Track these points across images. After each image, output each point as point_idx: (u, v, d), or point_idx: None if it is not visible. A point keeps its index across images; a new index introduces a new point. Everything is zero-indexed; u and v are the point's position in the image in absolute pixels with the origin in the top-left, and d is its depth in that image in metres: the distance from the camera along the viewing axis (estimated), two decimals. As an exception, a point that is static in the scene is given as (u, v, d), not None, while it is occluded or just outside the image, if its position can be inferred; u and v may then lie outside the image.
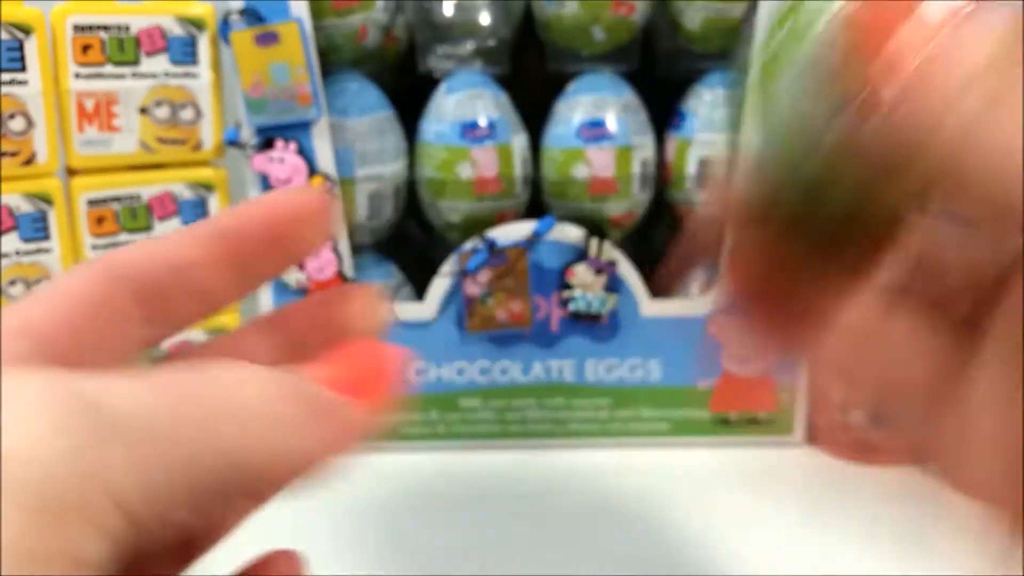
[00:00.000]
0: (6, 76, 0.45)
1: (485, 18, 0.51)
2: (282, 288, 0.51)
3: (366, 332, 0.20)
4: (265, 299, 0.52)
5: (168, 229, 0.49)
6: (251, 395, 0.16)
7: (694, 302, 0.53)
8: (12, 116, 0.45)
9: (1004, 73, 0.16)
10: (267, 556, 0.21)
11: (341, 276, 0.51)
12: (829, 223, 0.19)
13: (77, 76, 0.47)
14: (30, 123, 0.46)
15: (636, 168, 0.52)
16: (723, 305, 0.19)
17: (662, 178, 0.54)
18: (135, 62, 0.48)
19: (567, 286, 0.52)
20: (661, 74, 0.55)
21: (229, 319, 0.52)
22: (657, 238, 0.60)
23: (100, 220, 0.48)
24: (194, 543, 0.20)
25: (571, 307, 0.52)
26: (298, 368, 0.18)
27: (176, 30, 0.48)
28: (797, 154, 0.19)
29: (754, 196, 0.19)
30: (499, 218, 0.52)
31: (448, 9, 0.51)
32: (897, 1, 0.17)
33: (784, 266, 0.20)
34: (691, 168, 0.52)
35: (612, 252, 0.51)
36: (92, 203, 0.48)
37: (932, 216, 0.18)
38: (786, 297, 0.20)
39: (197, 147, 0.49)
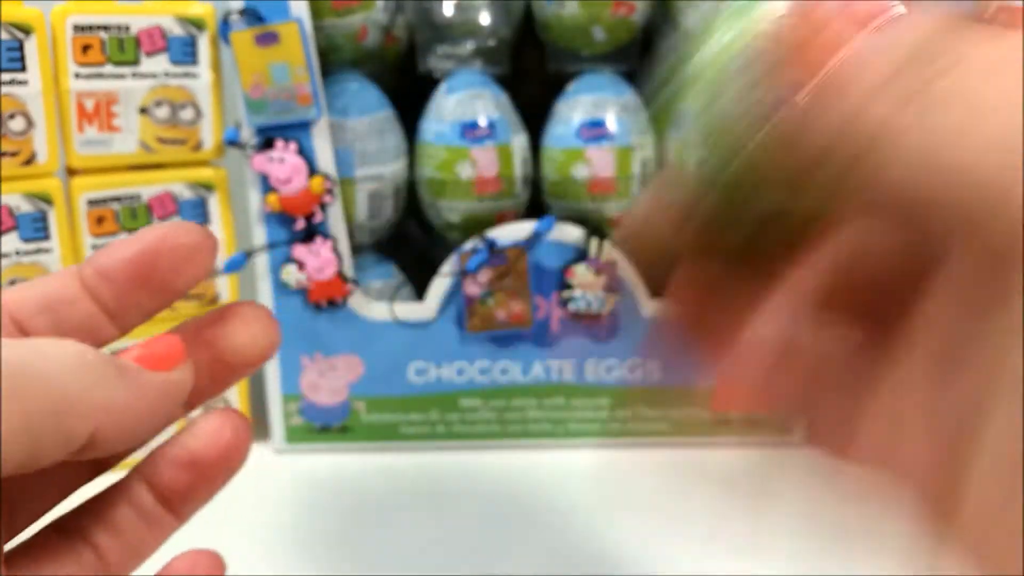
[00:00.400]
0: (6, 76, 0.45)
1: (485, 18, 0.51)
2: (282, 288, 0.51)
3: (253, 357, 0.22)
4: (265, 299, 0.52)
5: (168, 229, 0.49)
6: (57, 355, 0.18)
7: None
8: (12, 116, 0.45)
9: (917, 75, 0.16)
10: (188, 555, 0.22)
11: (341, 276, 0.51)
12: (749, 225, 0.18)
13: (77, 76, 0.47)
14: (30, 123, 0.46)
15: (636, 168, 0.52)
16: (662, 315, 0.20)
17: (662, 178, 0.54)
18: (135, 62, 0.48)
19: (567, 286, 0.52)
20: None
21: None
22: (657, 238, 0.60)
23: (100, 220, 0.48)
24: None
25: (571, 307, 0.52)
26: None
27: (176, 30, 0.48)
28: (720, 157, 0.19)
29: (680, 200, 0.19)
30: (499, 218, 0.52)
31: (448, 9, 0.51)
32: (822, 2, 0.17)
33: (708, 274, 0.20)
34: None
35: (612, 252, 0.51)
36: (92, 203, 0.48)
37: (849, 219, 0.17)
38: (711, 306, 0.20)
39: (197, 147, 0.49)
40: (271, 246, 0.51)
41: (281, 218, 0.50)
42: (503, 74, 0.53)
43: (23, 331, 0.21)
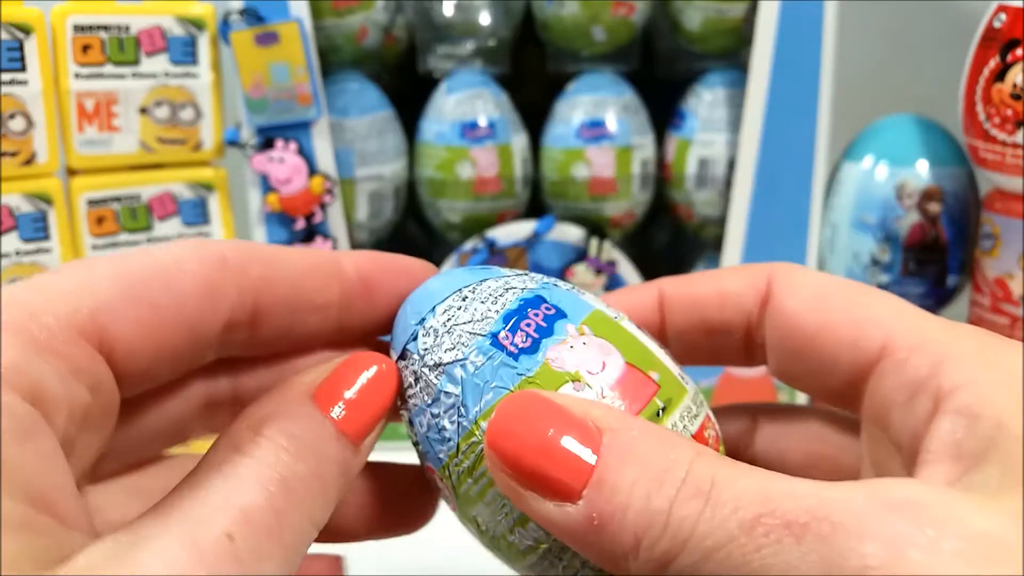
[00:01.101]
0: (6, 76, 0.45)
1: (485, 18, 0.51)
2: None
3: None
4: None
5: (168, 229, 0.49)
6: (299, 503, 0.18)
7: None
8: (12, 116, 0.45)
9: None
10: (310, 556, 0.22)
11: (341, 276, 0.51)
12: None
13: (77, 76, 0.47)
14: (30, 123, 0.46)
15: (636, 168, 0.52)
16: None
17: (662, 178, 0.54)
18: (135, 62, 0.47)
19: (567, 286, 0.52)
20: (661, 74, 0.56)
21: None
22: (657, 238, 0.60)
23: (100, 220, 0.48)
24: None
25: (571, 307, 0.52)
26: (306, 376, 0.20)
27: (176, 30, 0.48)
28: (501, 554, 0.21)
29: None
30: (499, 218, 0.52)
31: (448, 9, 0.51)
32: (528, 422, 0.18)
33: None
34: (691, 168, 0.52)
35: (612, 252, 0.51)
36: (92, 203, 0.48)
37: None
38: None
39: (197, 147, 0.49)
40: (271, 246, 0.51)
41: (281, 218, 0.50)
42: (503, 74, 0.53)
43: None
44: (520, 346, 0.20)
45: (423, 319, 0.21)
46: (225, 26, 0.48)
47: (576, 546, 0.18)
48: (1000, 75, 0.46)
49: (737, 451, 0.25)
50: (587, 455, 0.17)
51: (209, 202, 0.50)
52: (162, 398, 0.21)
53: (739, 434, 0.25)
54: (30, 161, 0.46)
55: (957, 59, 0.49)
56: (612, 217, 0.52)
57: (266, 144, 0.49)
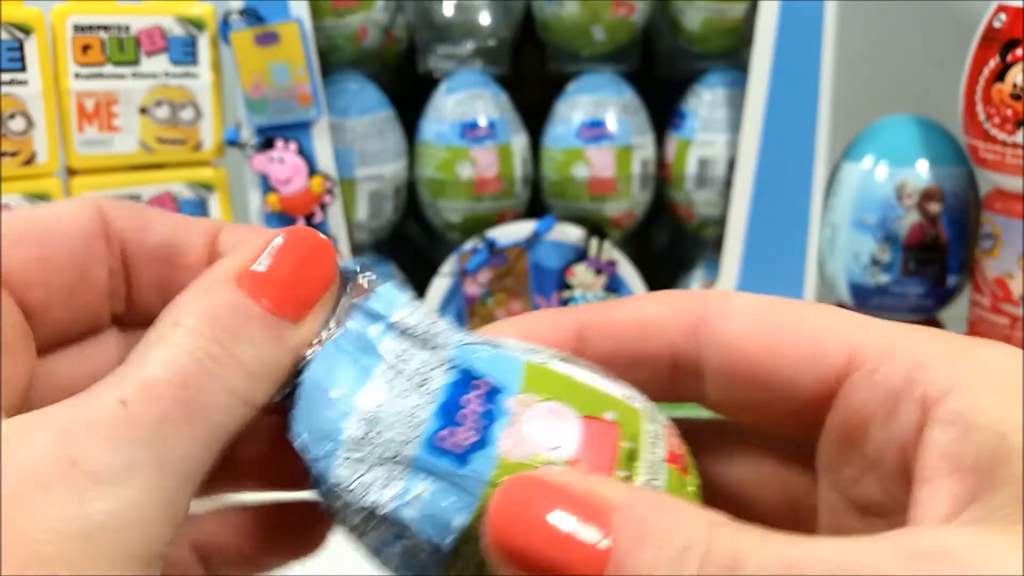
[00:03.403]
0: (6, 76, 0.45)
1: (485, 18, 0.51)
2: (282, 288, 0.51)
3: None
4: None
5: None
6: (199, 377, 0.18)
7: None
8: (12, 116, 0.45)
9: None
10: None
11: (341, 276, 0.51)
12: None
13: (77, 76, 0.47)
14: (30, 123, 0.46)
15: (636, 168, 0.52)
16: None
17: (662, 178, 0.54)
18: (135, 62, 0.47)
19: (567, 286, 0.52)
20: (661, 74, 0.56)
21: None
22: (657, 238, 0.60)
23: (100, 220, 0.48)
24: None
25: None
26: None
27: (176, 30, 0.48)
28: None
29: None
30: (499, 218, 0.52)
31: (448, 9, 0.51)
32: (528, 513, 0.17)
33: None
34: (691, 168, 0.52)
35: (612, 252, 0.51)
36: (92, 203, 0.48)
37: None
38: None
39: (197, 147, 0.49)
40: (271, 246, 0.51)
41: (281, 218, 0.50)
42: (503, 74, 0.53)
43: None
44: (465, 444, 0.17)
45: (336, 444, 0.18)
46: (225, 26, 0.48)
47: None
48: (1000, 75, 0.46)
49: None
50: (600, 540, 0.16)
51: (209, 202, 0.50)
52: (83, 351, 0.21)
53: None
54: (30, 161, 0.46)
55: (957, 59, 0.49)
56: (612, 217, 0.52)
57: (266, 144, 0.49)
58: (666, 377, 0.21)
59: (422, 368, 0.19)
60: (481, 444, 0.18)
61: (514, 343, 0.20)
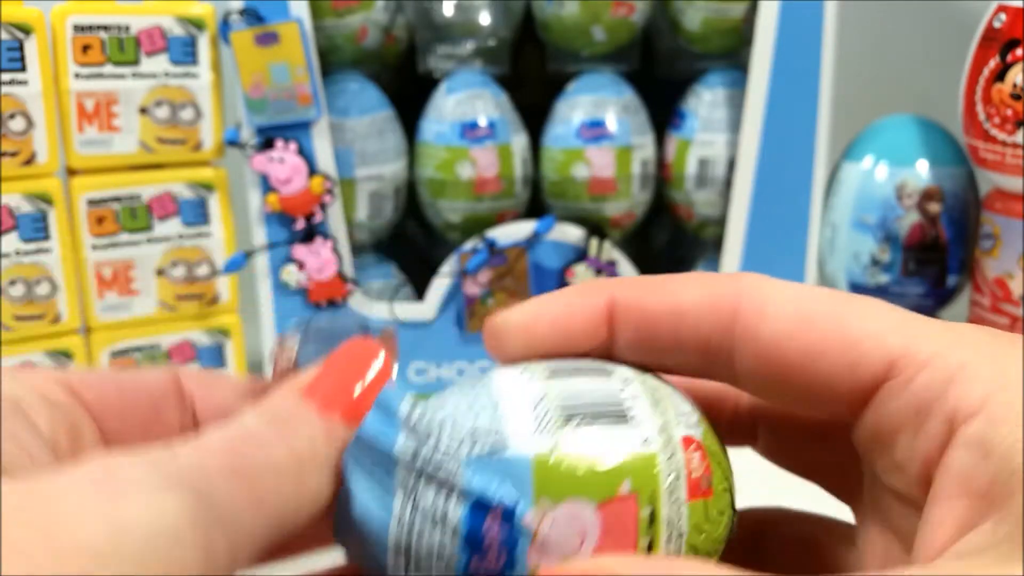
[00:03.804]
0: (6, 76, 0.45)
1: (485, 18, 0.51)
2: (282, 288, 0.51)
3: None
4: (265, 299, 0.52)
5: (168, 229, 0.49)
6: (290, 475, 0.18)
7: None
8: (12, 116, 0.45)
9: None
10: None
11: (341, 276, 0.51)
12: None
13: (77, 76, 0.47)
14: (30, 123, 0.46)
15: (636, 168, 0.52)
16: None
17: (662, 178, 0.54)
18: (135, 62, 0.47)
19: (567, 286, 0.52)
20: (661, 74, 0.56)
21: (229, 319, 0.52)
22: (657, 238, 0.60)
23: (100, 220, 0.48)
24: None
25: (571, 307, 0.52)
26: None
27: (176, 30, 0.48)
28: None
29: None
30: (499, 218, 0.52)
31: (448, 9, 0.51)
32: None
33: None
34: (691, 168, 0.52)
35: (612, 252, 0.51)
36: (92, 203, 0.48)
37: None
38: None
39: (197, 147, 0.49)
40: (271, 246, 0.51)
41: (281, 218, 0.50)
42: (503, 74, 0.53)
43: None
44: (497, 570, 0.19)
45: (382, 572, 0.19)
46: (225, 26, 0.48)
47: None
48: (1000, 75, 0.46)
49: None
50: None
51: (209, 202, 0.50)
52: None
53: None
54: (30, 161, 0.46)
55: (957, 59, 0.49)
56: (612, 217, 0.52)
57: (266, 144, 0.49)
58: (697, 362, 0.21)
59: (437, 504, 0.19)
60: (511, 565, 0.18)
61: (517, 432, 0.20)
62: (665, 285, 0.21)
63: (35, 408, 0.18)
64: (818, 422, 0.22)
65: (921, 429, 0.17)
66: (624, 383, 0.20)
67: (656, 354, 0.21)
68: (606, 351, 0.21)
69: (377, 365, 0.20)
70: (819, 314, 0.19)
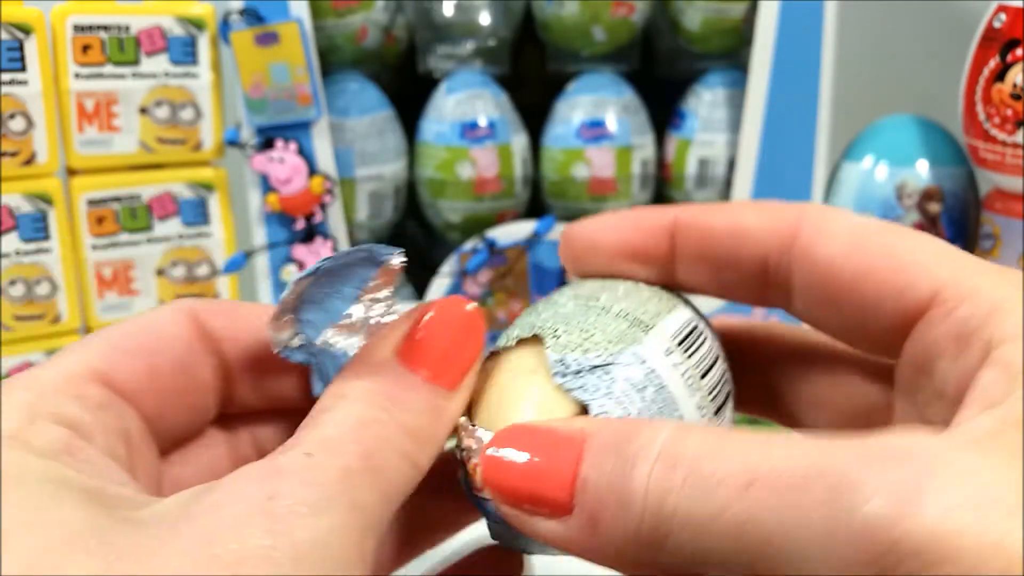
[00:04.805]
0: (6, 76, 0.45)
1: (485, 18, 0.51)
2: (282, 288, 0.51)
3: None
4: (265, 300, 0.52)
5: (168, 229, 0.49)
6: (406, 459, 0.19)
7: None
8: (12, 116, 0.45)
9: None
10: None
11: (341, 276, 0.51)
12: None
13: (77, 76, 0.47)
14: (30, 123, 0.46)
15: (636, 168, 0.52)
16: None
17: (662, 178, 0.54)
18: (135, 62, 0.47)
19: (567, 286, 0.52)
20: (661, 74, 0.56)
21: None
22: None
23: (100, 220, 0.48)
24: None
25: (571, 307, 0.52)
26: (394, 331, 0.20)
27: (176, 30, 0.48)
28: None
29: None
30: (499, 218, 0.52)
31: (448, 9, 0.51)
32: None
33: None
34: (691, 168, 0.52)
35: (612, 252, 0.51)
36: (92, 203, 0.48)
37: None
38: None
39: (197, 147, 0.49)
40: (271, 246, 0.51)
41: (281, 218, 0.50)
42: (503, 74, 0.53)
43: (225, 367, 0.22)
44: None
45: None
46: (225, 26, 0.48)
47: (588, 557, 0.18)
48: (1000, 75, 0.46)
49: (765, 401, 0.24)
50: (569, 462, 0.17)
51: (209, 202, 0.50)
52: (193, 453, 0.22)
53: (762, 384, 0.24)
54: (30, 161, 0.46)
55: (957, 59, 0.49)
56: (612, 217, 0.52)
57: (266, 144, 0.49)
58: (755, 283, 0.22)
59: None
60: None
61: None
62: (727, 207, 0.22)
63: (87, 424, 0.18)
64: (841, 374, 0.23)
65: (960, 356, 0.18)
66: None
67: (714, 272, 0.22)
68: (667, 269, 0.22)
69: (472, 325, 0.21)
70: (873, 240, 0.20)
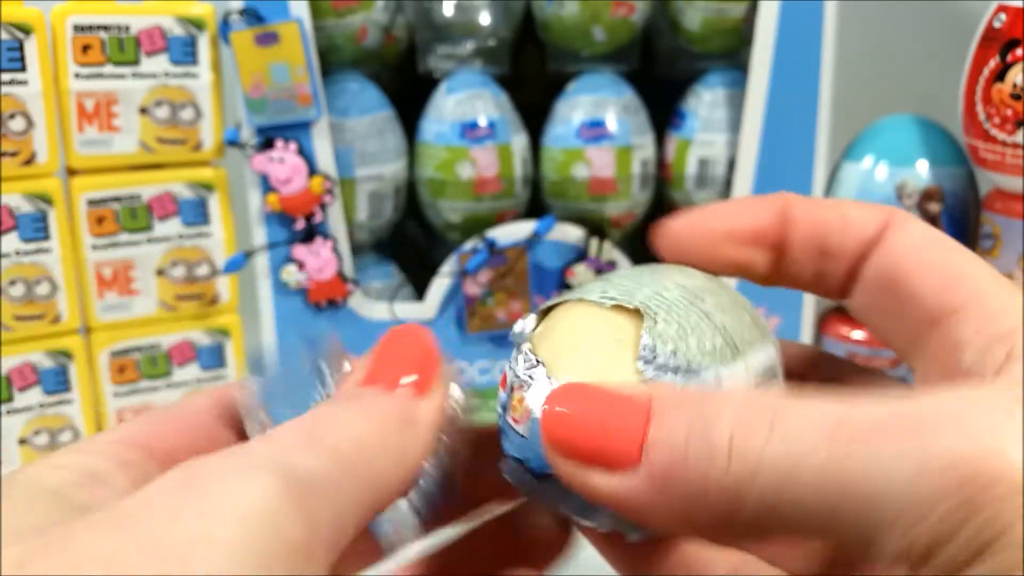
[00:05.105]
0: (6, 76, 0.45)
1: (485, 18, 0.51)
2: (282, 288, 0.51)
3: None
4: (265, 299, 0.52)
5: (168, 229, 0.49)
6: (372, 438, 0.19)
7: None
8: (12, 116, 0.45)
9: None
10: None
11: (341, 276, 0.51)
12: None
13: (77, 76, 0.47)
14: (30, 123, 0.46)
15: (636, 168, 0.52)
16: None
17: (662, 178, 0.54)
18: (135, 62, 0.47)
19: (567, 286, 0.52)
20: (661, 74, 0.56)
21: (229, 319, 0.52)
22: (657, 238, 0.60)
23: (100, 220, 0.48)
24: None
25: (571, 307, 0.52)
26: (360, 364, 0.21)
27: (176, 30, 0.48)
28: None
29: None
30: (499, 218, 0.52)
31: (448, 9, 0.51)
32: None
33: None
34: (691, 168, 0.52)
35: (612, 252, 0.51)
36: (92, 203, 0.48)
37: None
38: None
39: (197, 147, 0.49)
40: (271, 246, 0.51)
41: (281, 218, 0.50)
42: (503, 74, 0.53)
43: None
44: None
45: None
46: (225, 26, 0.48)
47: (648, 516, 0.18)
48: (1000, 75, 0.46)
49: None
50: (638, 420, 0.18)
51: (209, 202, 0.50)
52: None
53: None
54: (30, 161, 0.46)
55: (957, 59, 0.49)
56: (612, 217, 0.52)
57: (266, 144, 0.49)
58: (846, 275, 0.23)
59: None
60: None
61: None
62: (832, 201, 0.23)
63: (110, 473, 0.19)
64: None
65: (987, 352, 0.19)
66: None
67: (820, 262, 0.23)
68: (775, 256, 0.23)
69: (422, 339, 0.21)
70: (938, 247, 0.21)
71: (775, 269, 0.23)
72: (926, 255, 0.21)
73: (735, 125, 0.51)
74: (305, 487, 0.16)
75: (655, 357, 0.19)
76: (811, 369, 0.26)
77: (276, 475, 0.16)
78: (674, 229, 0.24)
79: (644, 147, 0.52)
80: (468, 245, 0.51)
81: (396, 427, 0.19)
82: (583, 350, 0.20)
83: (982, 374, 0.19)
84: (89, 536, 0.15)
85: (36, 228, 0.47)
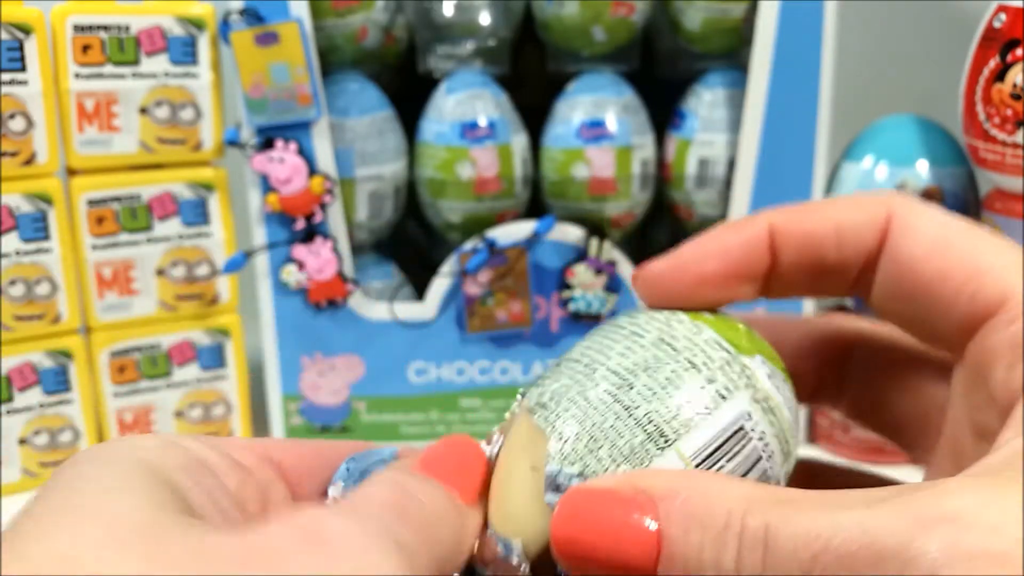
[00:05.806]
0: (6, 76, 0.45)
1: (485, 18, 0.51)
2: (282, 288, 0.51)
3: None
4: (265, 299, 0.52)
5: (168, 229, 0.49)
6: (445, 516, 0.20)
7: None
8: (12, 116, 0.45)
9: None
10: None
11: (341, 276, 0.51)
12: None
13: (77, 76, 0.47)
14: (30, 123, 0.46)
15: (636, 168, 0.52)
16: None
17: (662, 178, 0.54)
18: (135, 62, 0.48)
19: (567, 286, 0.52)
20: (661, 74, 0.56)
21: (229, 319, 0.52)
22: (657, 238, 0.60)
23: (100, 220, 0.48)
24: None
25: (571, 307, 0.52)
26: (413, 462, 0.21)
27: (176, 30, 0.48)
28: None
29: None
30: (499, 218, 0.52)
31: (448, 9, 0.51)
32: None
33: None
34: (691, 168, 0.52)
35: (612, 252, 0.51)
36: (92, 203, 0.48)
37: None
38: None
39: (197, 147, 0.49)
40: (271, 246, 0.51)
41: (281, 218, 0.50)
42: (503, 74, 0.53)
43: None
44: None
45: None
46: (225, 26, 0.48)
47: None
48: (1000, 75, 0.46)
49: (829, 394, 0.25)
50: (649, 530, 0.18)
51: (209, 202, 0.50)
52: None
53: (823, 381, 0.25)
54: (30, 161, 0.46)
55: (957, 59, 0.49)
56: (612, 217, 0.52)
57: (266, 144, 0.49)
58: (852, 280, 0.22)
59: None
60: None
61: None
62: (818, 207, 0.22)
63: (223, 469, 0.19)
64: (910, 372, 0.24)
65: (1015, 365, 0.19)
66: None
67: (817, 275, 0.22)
68: (765, 282, 0.22)
69: (471, 447, 0.22)
70: (955, 242, 0.20)
71: (768, 291, 0.23)
72: (941, 258, 0.20)
73: (735, 125, 0.51)
74: (413, 566, 0.17)
75: (559, 484, 0.20)
76: (823, 347, 0.25)
77: (395, 550, 0.17)
78: (651, 275, 0.23)
79: (644, 147, 0.52)
80: (468, 245, 0.51)
81: (457, 514, 0.20)
82: (511, 488, 0.21)
83: (1006, 401, 0.18)
84: (217, 563, 0.15)
85: (36, 228, 0.47)
